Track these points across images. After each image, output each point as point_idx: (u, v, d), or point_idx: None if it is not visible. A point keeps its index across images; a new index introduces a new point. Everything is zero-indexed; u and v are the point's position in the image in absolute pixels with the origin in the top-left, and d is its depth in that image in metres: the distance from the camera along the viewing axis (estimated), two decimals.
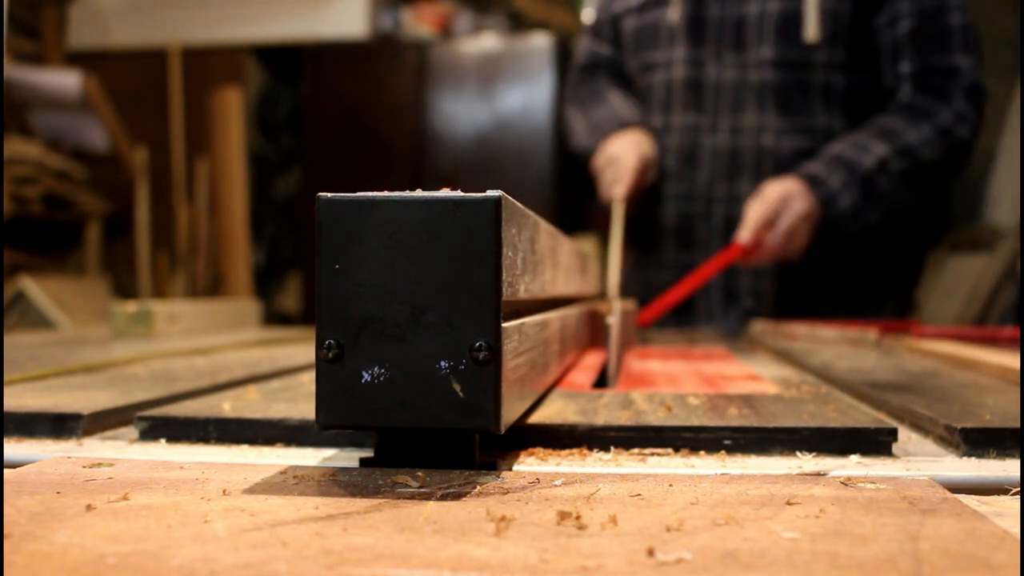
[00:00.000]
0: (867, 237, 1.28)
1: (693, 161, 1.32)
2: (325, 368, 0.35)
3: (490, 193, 0.34)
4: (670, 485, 0.34)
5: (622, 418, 0.45)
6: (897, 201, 1.22)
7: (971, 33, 1.23)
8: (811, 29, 1.24)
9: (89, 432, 0.47)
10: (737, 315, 1.30)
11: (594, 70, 1.47)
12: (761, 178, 1.26)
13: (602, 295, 0.98)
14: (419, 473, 0.35)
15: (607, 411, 0.47)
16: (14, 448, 0.44)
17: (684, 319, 1.31)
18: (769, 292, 1.30)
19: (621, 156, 1.27)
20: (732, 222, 1.26)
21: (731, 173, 1.29)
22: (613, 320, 0.71)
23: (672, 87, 1.33)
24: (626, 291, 1.42)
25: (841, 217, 1.19)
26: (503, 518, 0.29)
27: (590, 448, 0.43)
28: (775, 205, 1.15)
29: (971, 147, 1.25)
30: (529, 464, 0.40)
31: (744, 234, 1.15)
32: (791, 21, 1.25)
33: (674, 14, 1.32)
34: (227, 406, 0.49)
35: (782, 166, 1.26)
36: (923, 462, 0.41)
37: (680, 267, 1.31)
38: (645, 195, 1.33)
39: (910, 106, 1.23)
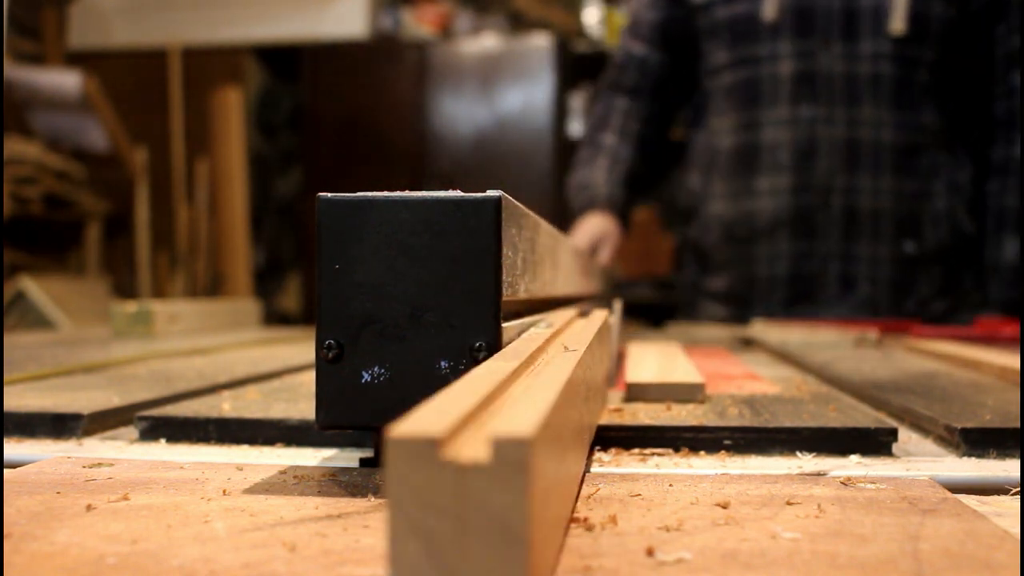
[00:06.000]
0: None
1: (811, 153, 1.32)
2: (325, 368, 0.35)
3: (490, 193, 0.34)
4: (670, 485, 0.34)
5: (622, 418, 0.45)
6: None
7: None
8: (897, 21, 1.26)
9: (89, 432, 0.47)
10: (854, 303, 1.31)
11: (622, 72, 1.48)
12: (880, 171, 1.29)
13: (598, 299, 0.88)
14: None
15: (607, 411, 0.47)
16: (14, 448, 0.44)
17: (799, 310, 1.32)
18: (886, 279, 1.31)
19: (579, 240, 1.31)
20: (851, 212, 1.29)
21: (850, 165, 1.31)
22: (614, 320, 0.71)
23: (779, 80, 1.33)
24: (718, 290, 1.41)
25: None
26: None
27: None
28: None
29: None
30: None
31: None
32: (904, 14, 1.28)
33: (770, 9, 1.31)
34: (227, 406, 0.49)
35: (900, 160, 1.29)
36: (923, 462, 0.41)
37: (797, 257, 1.32)
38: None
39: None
